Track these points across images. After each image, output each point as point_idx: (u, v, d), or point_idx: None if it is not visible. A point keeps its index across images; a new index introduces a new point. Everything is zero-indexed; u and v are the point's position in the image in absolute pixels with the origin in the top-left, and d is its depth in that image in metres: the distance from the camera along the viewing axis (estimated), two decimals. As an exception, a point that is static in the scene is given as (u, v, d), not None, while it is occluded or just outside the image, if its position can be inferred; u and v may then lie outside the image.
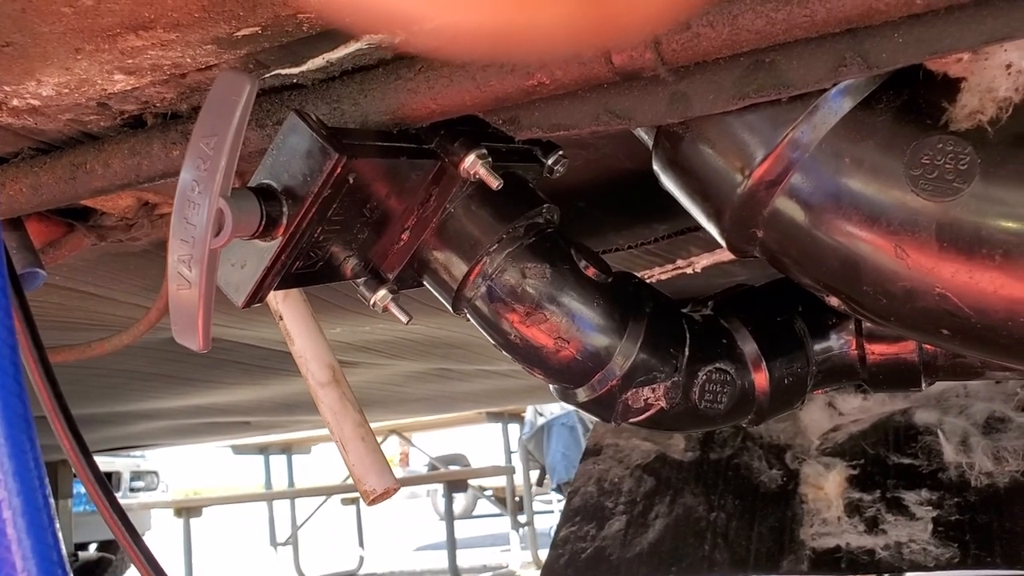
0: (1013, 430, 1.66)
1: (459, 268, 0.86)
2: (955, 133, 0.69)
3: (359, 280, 0.86)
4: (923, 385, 0.95)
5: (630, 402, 0.89)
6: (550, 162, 0.94)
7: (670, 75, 0.73)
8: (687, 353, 0.91)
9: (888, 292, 0.73)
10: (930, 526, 1.51)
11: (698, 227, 1.48)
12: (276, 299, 1.05)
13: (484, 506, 11.02)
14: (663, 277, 1.55)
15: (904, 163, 0.70)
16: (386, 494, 0.95)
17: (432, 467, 9.63)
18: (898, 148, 0.71)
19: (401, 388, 3.36)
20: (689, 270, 1.51)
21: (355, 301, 1.66)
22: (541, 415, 8.55)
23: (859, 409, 1.75)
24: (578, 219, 1.31)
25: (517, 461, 7.75)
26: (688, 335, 0.92)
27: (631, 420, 0.92)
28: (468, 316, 0.90)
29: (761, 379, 0.93)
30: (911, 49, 0.68)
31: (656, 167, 0.85)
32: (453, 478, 6.91)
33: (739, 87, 0.73)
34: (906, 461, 1.64)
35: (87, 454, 0.79)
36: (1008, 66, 0.67)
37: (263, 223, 0.70)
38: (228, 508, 9.78)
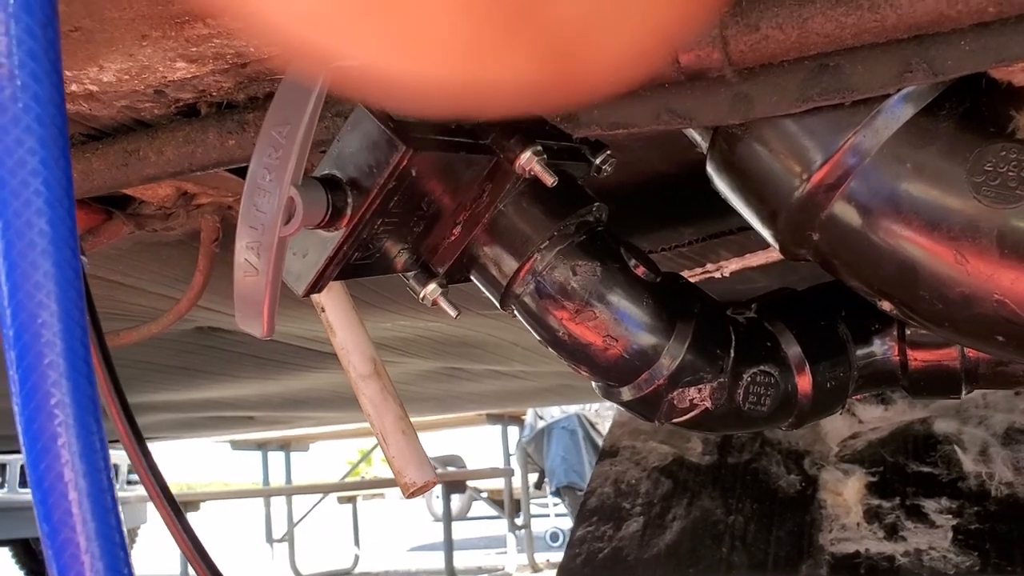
0: (1032, 441, 1.66)
1: (509, 264, 0.86)
2: (1019, 141, 0.69)
3: (410, 273, 0.86)
4: (963, 393, 0.96)
5: (676, 402, 0.90)
6: (598, 161, 0.95)
7: (735, 76, 0.73)
8: (732, 355, 0.91)
9: (945, 298, 0.74)
10: (950, 534, 1.51)
11: (727, 232, 1.48)
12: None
13: (479, 508, 11.02)
14: (692, 280, 1.55)
15: (966, 169, 0.71)
16: (425, 487, 0.96)
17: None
18: (960, 155, 0.71)
19: (410, 387, 3.36)
20: (717, 274, 1.51)
21: (380, 296, 1.66)
22: (541, 418, 8.55)
23: (879, 418, 1.76)
24: (611, 220, 1.31)
25: (516, 464, 7.75)
26: (734, 337, 0.92)
27: (675, 420, 0.92)
28: (516, 313, 0.90)
29: (804, 382, 0.93)
30: (977, 57, 0.68)
31: (710, 168, 0.86)
32: (452, 479, 6.91)
33: (803, 90, 0.73)
34: (925, 470, 1.64)
35: (140, 439, 0.80)
36: (1075, 76, 0.68)
37: (329, 213, 0.70)
38: (225, 503, 9.78)
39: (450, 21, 0.36)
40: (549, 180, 0.81)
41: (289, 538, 7.50)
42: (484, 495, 8.39)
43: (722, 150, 0.83)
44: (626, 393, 0.91)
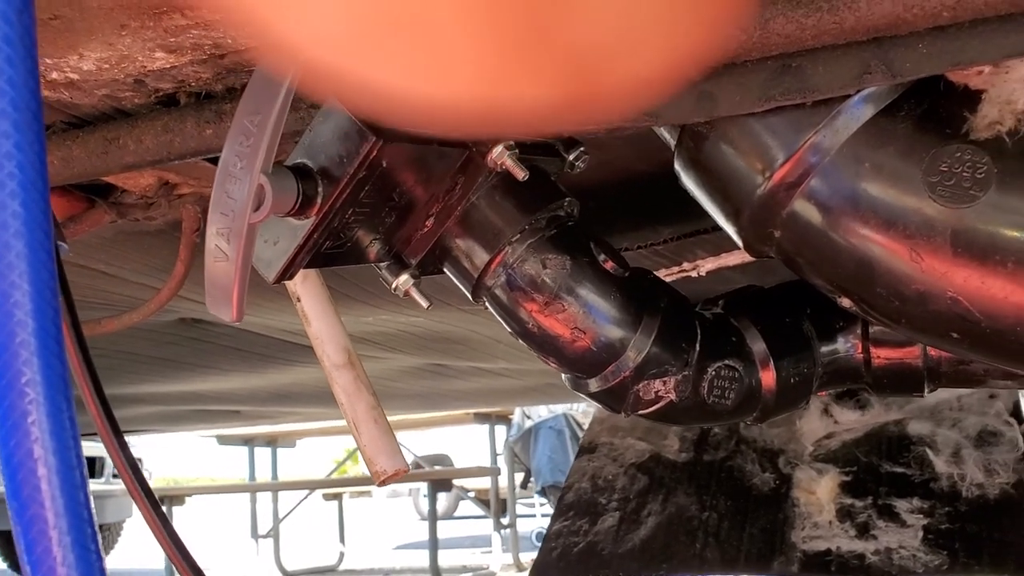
0: (1004, 444, 1.69)
1: (481, 257, 0.88)
2: (974, 143, 0.71)
3: (382, 264, 0.88)
4: (926, 391, 0.98)
5: (641, 394, 0.91)
6: (571, 157, 0.96)
7: (698, 75, 0.75)
8: (698, 349, 0.93)
9: (901, 295, 0.75)
10: (920, 533, 1.54)
11: (703, 231, 1.50)
12: (295, 281, 1.07)
13: (466, 507, 11.04)
14: (668, 279, 1.57)
15: (922, 170, 0.73)
16: (396, 475, 0.97)
17: (417, 466, 9.63)
18: (917, 155, 0.73)
19: (395, 384, 3.38)
20: (694, 273, 1.53)
21: (360, 289, 1.68)
22: (529, 418, 8.57)
23: (855, 419, 1.78)
24: (588, 218, 1.33)
25: (502, 463, 7.76)
26: (699, 332, 0.94)
27: (641, 412, 0.94)
28: (487, 304, 0.92)
29: (768, 377, 0.95)
30: (935, 60, 0.70)
31: (678, 166, 0.88)
32: (438, 477, 6.92)
33: (765, 89, 0.75)
34: (898, 470, 1.66)
35: (117, 431, 0.81)
36: (1027, 80, 0.70)
37: (299, 201, 0.72)
38: (210, 498, 9.77)
39: (468, 43, 0.36)
40: (520, 174, 0.83)
41: (274, 534, 7.50)
42: (471, 494, 8.40)
43: (688, 148, 0.85)
44: (593, 385, 0.92)
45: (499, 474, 7.25)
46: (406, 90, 0.38)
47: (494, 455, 7.76)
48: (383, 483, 0.97)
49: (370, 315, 1.85)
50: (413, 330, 2.12)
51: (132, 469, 0.79)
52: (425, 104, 0.38)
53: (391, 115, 0.42)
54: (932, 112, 0.74)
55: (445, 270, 0.92)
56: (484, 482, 7.70)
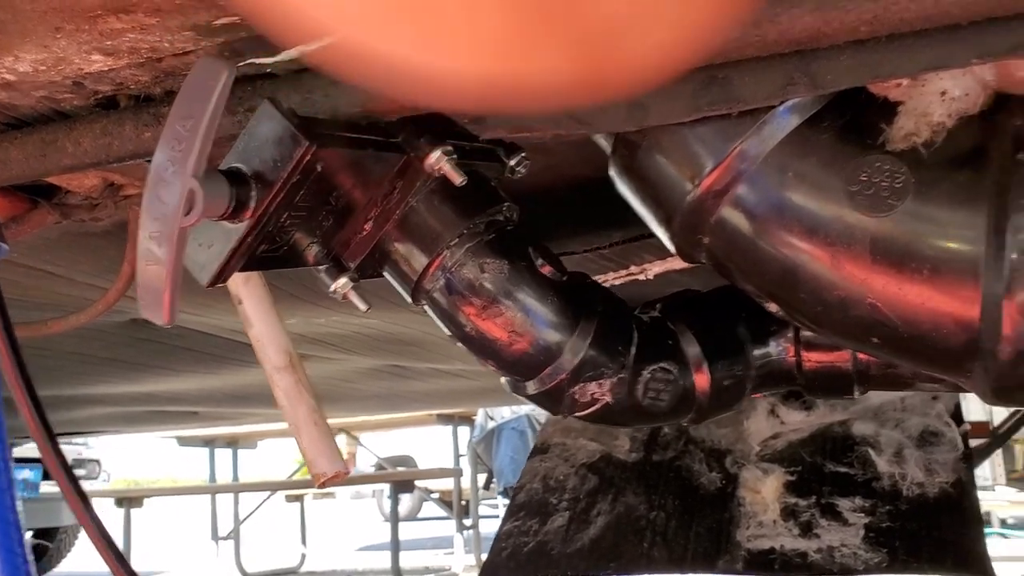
0: (945, 444, 1.73)
1: (419, 260, 0.89)
2: (892, 153, 0.74)
3: (321, 267, 0.89)
4: (856, 393, 1.00)
5: (577, 396, 0.93)
6: (512, 163, 0.98)
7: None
8: (634, 352, 0.95)
9: (823, 300, 0.78)
10: (862, 532, 1.57)
11: (651, 234, 1.53)
12: (237, 283, 1.07)
13: (430, 509, 11.01)
14: (616, 282, 1.59)
15: (843, 179, 0.75)
16: (336, 477, 0.98)
17: (380, 467, 9.60)
18: (839, 165, 0.75)
19: (353, 385, 3.37)
20: (642, 276, 1.55)
21: (311, 291, 1.68)
22: (492, 419, 8.58)
23: (801, 420, 1.81)
24: (536, 222, 1.34)
25: (465, 464, 7.76)
26: (636, 335, 0.96)
27: (578, 414, 0.95)
28: (426, 308, 0.93)
29: (702, 380, 0.97)
30: (855, 72, 0.72)
31: (612, 173, 0.89)
32: (400, 478, 6.90)
33: (694, 100, 0.77)
34: (842, 470, 1.70)
35: (50, 432, 0.81)
36: (943, 93, 0.72)
37: (232, 205, 0.72)
38: (170, 500, 9.67)
39: (487, 17, 0.36)
40: (457, 179, 0.84)
41: (235, 536, 7.44)
42: (435, 496, 8.39)
43: (622, 156, 0.86)
44: (531, 387, 0.94)
45: (462, 475, 7.25)
46: (427, 65, 0.38)
47: (457, 456, 7.76)
48: (323, 485, 0.98)
49: (322, 316, 1.85)
50: (367, 332, 2.12)
51: (65, 470, 0.79)
52: (445, 79, 0.39)
53: (412, 90, 0.41)
54: (854, 123, 0.77)
55: (385, 274, 0.93)
56: (448, 483, 7.69)
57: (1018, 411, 2.29)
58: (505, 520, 1.78)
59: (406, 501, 11.42)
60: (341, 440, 8.66)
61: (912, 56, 0.71)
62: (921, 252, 0.72)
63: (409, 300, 0.93)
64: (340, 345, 2.27)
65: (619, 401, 0.94)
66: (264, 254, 0.81)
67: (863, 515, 1.60)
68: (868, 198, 0.74)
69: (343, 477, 0.99)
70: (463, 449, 8.02)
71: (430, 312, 0.93)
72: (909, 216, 0.73)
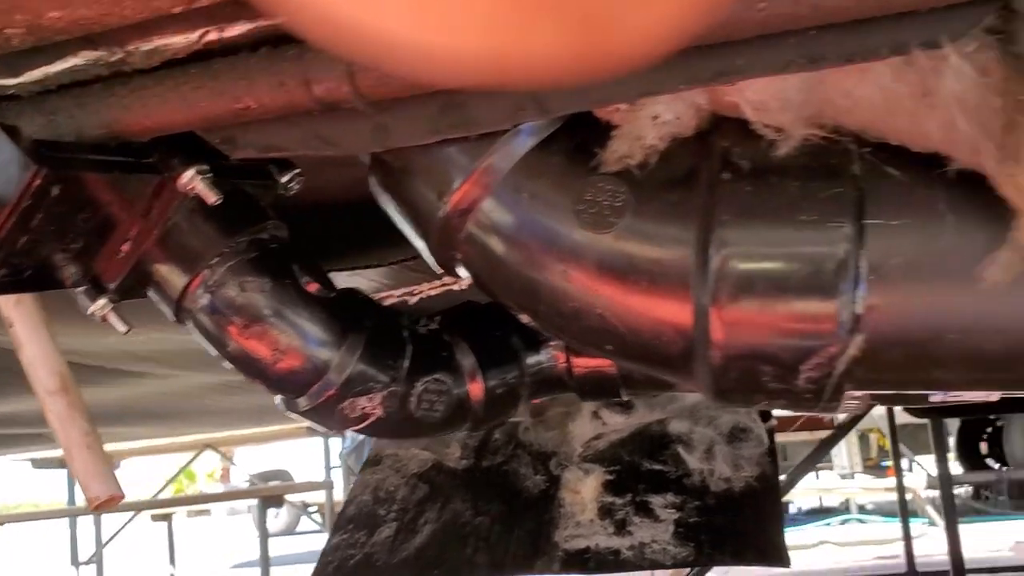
0: (752, 440, 1.82)
1: (180, 280, 0.89)
2: (613, 174, 0.78)
3: (79, 289, 0.88)
4: (623, 395, 1.06)
5: (347, 411, 0.95)
6: (284, 180, 0.99)
7: (370, 108, 0.79)
8: (407, 365, 0.97)
9: (560, 312, 0.82)
10: (672, 527, 1.64)
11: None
12: (8, 306, 1.04)
13: (309, 523, 10.83)
14: (432, 293, 1.61)
15: (571, 199, 0.79)
16: (111, 501, 0.97)
17: (252, 483, 9.38)
18: (567, 185, 0.80)
19: (202, 400, 3.30)
20: (456, 287, 1.58)
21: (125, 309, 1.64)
22: (363, 428, 8.48)
23: (622, 421, 1.88)
24: (336, 236, 1.36)
25: (338, 476, 7.66)
26: (410, 348, 0.98)
27: (352, 428, 0.97)
28: (191, 327, 0.93)
29: (476, 389, 1.01)
30: (578, 98, 0.77)
31: (372, 189, 0.92)
32: (268, 493, 6.76)
33: (433, 123, 0.80)
34: (657, 467, 1.77)
35: None
36: (655, 117, 0.77)
37: (-43, 232, 0.71)
38: (27, 525, 9.21)
39: None
40: (211, 199, 0.85)
41: (97, 560, 7.14)
42: (313, 509, 8.23)
43: (379, 175, 0.89)
44: (302, 403, 0.95)
45: (333, 487, 7.16)
46: (421, 41, 0.38)
47: (328, 468, 7.65)
48: (97, 508, 0.96)
49: (141, 335, 1.81)
50: (196, 347, 2.08)
51: None
52: (439, 56, 0.39)
53: (406, 67, 0.41)
54: (583, 145, 0.81)
55: (149, 293, 0.93)
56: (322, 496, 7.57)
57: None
58: (333, 534, 1.79)
59: (283, 516, 11.19)
60: (211, 457, 8.42)
61: (628, 83, 0.75)
62: (640, 266, 0.77)
63: (173, 319, 0.93)
64: (171, 362, 2.22)
65: (391, 414, 0.96)
66: (10, 278, 0.80)
67: (674, 511, 1.67)
68: (592, 216, 0.78)
69: (118, 500, 0.98)
70: (335, 461, 7.92)
71: (195, 332, 0.93)
72: (628, 232, 0.77)
